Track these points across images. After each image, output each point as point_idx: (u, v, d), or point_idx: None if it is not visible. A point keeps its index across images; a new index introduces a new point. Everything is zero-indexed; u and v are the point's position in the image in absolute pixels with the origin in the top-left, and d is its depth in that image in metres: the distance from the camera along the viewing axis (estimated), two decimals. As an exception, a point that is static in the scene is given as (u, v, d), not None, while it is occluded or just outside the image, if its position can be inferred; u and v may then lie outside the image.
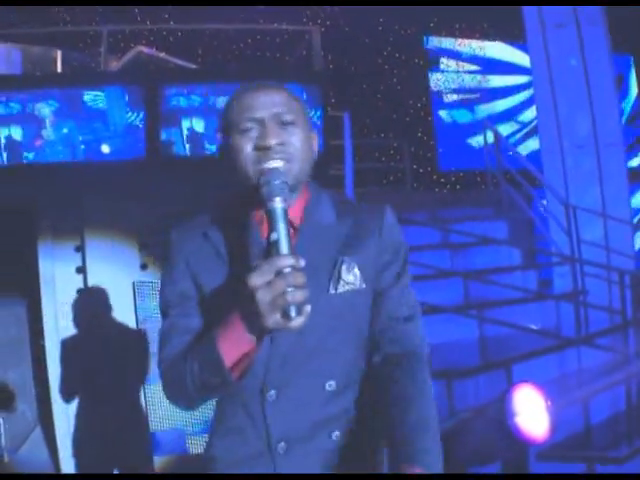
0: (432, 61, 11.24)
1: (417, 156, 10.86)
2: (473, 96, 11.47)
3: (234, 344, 1.43)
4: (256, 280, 1.34)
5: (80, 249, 5.14)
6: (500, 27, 10.62)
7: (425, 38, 11.22)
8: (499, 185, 7.56)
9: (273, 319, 1.34)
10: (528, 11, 7.40)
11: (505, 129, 11.11)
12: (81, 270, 5.15)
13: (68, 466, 5.04)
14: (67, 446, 5.05)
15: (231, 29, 9.25)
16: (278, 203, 1.42)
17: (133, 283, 5.15)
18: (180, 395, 1.58)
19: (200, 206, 1.78)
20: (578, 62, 7.09)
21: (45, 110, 5.09)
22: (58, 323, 5.07)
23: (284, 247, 1.37)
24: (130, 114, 5.25)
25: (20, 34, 6.99)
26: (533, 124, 10.96)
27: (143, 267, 5.21)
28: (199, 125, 5.41)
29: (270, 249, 1.39)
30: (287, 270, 1.33)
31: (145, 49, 7.04)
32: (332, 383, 1.59)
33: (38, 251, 5.11)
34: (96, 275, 5.13)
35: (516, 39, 10.56)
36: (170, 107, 5.37)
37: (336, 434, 1.59)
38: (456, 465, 4.07)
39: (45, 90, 5.12)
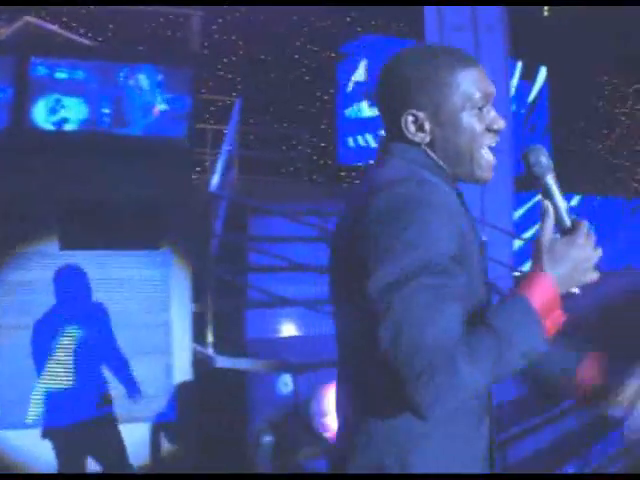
0: (342, 54, 11.15)
1: (318, 148, 10.81)
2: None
3: (548, 307, 1.41)
4: (584, 238, 1.47)
5: None
6: (408, 26, 10.61)
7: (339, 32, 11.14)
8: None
9: (591, 274, 1.48)
10: (429, 11, 7.36)
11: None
12: None
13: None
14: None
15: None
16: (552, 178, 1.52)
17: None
18: (473, 389, 1.34)
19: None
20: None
21: None
22: None
23: (570, 214, 1.52)
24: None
25: None
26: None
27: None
28: (69, 101, 5.25)
29: (554, 215, 1.50)
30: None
31: (34, 20, 6.80)
32: None
33: None
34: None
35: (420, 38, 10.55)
36: (38, 80, 5.20)
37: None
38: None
39: None
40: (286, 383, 5.33)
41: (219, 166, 5.84)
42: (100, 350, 5.17)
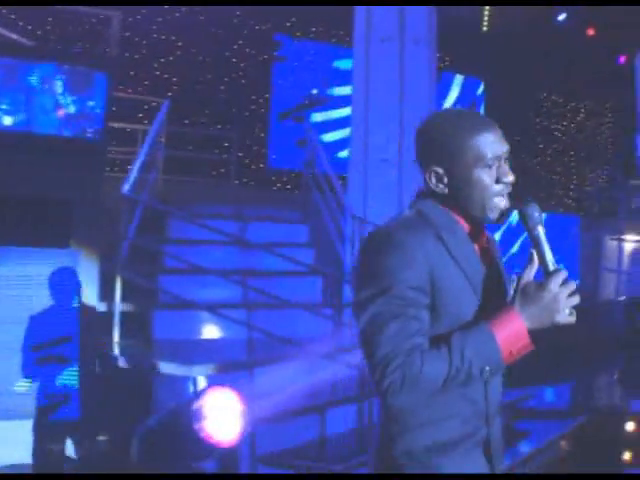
0: (277, 59, 11.15)
1: (250, 152, 10.81)
2: (314, 100, 11.44)
3: (513, 338, 1.73)
4: (557, 284, 1.74)
5: None
6: (347, 34, 10.63)
7: (278, 37, 11.14)
8: (310, 189, 7.51)
9: (563, 315, 1.74)
10: (358, 21, 7.38)
11: (334, 136, 11.17)
12: None
13: None
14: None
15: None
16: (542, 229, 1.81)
17: None
18: (426, 385, 1.69)
19: None
20: (395, 78, 7.10)
21: None
22: None
23: (554, 263, 1.78)
24: None
25: None
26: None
27: None
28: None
29: (542, 262, 1.79)
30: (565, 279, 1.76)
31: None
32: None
33: None
34: None
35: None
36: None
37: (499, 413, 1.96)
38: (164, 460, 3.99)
39: None
40: (192, 385, 5.34)
41: (134, 168, 5.82)
42: (4, 347, 5.14)
